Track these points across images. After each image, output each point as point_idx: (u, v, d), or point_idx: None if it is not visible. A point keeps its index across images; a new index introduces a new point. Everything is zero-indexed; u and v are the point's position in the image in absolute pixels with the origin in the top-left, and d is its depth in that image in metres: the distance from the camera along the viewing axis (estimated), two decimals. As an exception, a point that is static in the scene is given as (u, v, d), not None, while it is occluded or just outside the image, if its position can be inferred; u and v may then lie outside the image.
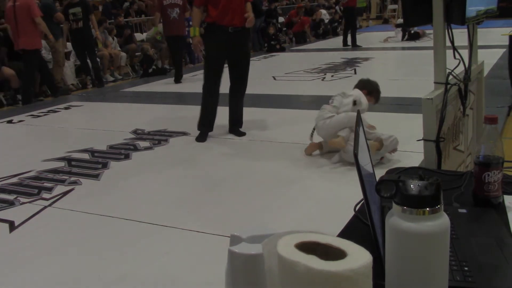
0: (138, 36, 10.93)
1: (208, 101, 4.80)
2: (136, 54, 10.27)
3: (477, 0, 1.88)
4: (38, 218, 3.31)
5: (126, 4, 11.77)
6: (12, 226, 3.20)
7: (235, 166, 4.09)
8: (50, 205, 3.52)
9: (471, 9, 1.80)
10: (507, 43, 5.57)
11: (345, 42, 12.79)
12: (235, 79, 4.85)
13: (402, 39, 13.12)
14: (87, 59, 8.96)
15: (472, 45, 2.09)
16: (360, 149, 0.98)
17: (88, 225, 3.16)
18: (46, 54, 8.78)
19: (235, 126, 5.01)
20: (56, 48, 8.51)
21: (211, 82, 4.74)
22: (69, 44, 9.27)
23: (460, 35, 1.87)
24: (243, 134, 4.94)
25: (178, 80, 8.84)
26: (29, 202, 3.58)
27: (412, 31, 12.69)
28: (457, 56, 1.83)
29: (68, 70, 9.08)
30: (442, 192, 0.78)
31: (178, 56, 9.00)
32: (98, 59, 9.21)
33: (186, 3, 8.59)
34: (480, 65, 2.38)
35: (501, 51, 7.97)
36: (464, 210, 1.24)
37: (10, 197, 3.70)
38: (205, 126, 4.88)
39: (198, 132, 4.91)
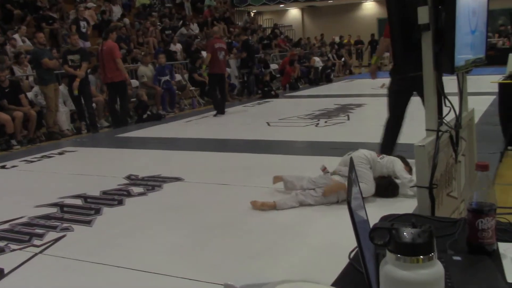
0: (134, 82, 11.01)
1: (394, 133, 4.84)
2: (131, 99, 10.34)
3: (465, 49, 1.93)
4: (29, 266, 3.25)
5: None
6: (1, 274, 3.14)
7: (228, 212, 4.07)
8: (41, 252, 3.46)
9: (460, 58, 1.84)
10: (497, 90, 5.66)
11: None
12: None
13: None
14: (82, 105, 9.06)
15: (462, 93, 2.14)
16: (353, 196, 0.99)
17: (79, 273, 3.10)
18: (41, 99, 8.85)
19: None
20: (46, 94, 8.59)
21: (399, 116, 4.85)
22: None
23: (450, 82, 1.91)
24: None
25: (222, 111, 10.15)
26: (20, 249, 3.53)
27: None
28: (447, 103, 1.86)
29: (64, 115, 9.12)
30: (435, 240, 0.78)
31: (223, 90, 10.56)
32: (94, 105, 9.33)
33: (227, 48, 10.90)
34: (470, 112, 2.42)
35: (491, 98, 8.08)
36: (458, 258, 1.23)
37: (1, 243, 3.64)
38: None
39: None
